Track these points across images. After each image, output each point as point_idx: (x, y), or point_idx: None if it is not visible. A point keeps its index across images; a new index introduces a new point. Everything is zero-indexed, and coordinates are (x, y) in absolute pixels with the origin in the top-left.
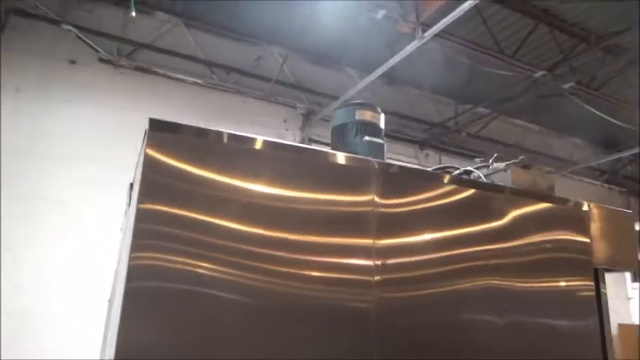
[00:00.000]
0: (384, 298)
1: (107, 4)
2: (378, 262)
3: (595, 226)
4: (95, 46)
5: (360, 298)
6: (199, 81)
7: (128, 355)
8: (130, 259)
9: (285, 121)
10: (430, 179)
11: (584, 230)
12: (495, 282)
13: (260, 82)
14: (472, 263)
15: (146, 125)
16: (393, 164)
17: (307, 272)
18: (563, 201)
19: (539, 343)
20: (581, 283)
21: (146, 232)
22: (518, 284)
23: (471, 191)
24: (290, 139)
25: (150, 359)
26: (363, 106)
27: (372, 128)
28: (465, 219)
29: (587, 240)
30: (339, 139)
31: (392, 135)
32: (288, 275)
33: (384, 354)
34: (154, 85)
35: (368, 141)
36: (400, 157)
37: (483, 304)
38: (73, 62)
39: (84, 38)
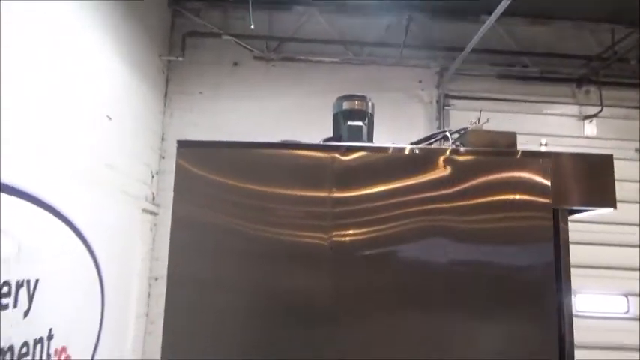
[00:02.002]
0: (338, 236)
1: (254, 11)
2: (333, 210)
3: (559, 171)
4: (250, 47)
5: (318, 236)
6: (337, 59)
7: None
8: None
9: (420, 82)
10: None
11: (543, 175)
12: (441, 223)
13: (392, 49)
14: (419, 208)
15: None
16: (352, 146)
17: (276, 219)
18: (519, 153)
19: (483, 283)
20: (536, 224)
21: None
22: (464, 225)
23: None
24: (426, 99)
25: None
26: (349, 97)
27: (358, 114)
28: (413, 172)
29: (547, 183)
30: (335, 126)
31: (544, 77)
32: (264, 221)
33: (336, 285)
34: (299, 71)
35: (349, 125)
36: (555, 99)
37: (429, 244)
38: (235, 64)
39: (241, 43)
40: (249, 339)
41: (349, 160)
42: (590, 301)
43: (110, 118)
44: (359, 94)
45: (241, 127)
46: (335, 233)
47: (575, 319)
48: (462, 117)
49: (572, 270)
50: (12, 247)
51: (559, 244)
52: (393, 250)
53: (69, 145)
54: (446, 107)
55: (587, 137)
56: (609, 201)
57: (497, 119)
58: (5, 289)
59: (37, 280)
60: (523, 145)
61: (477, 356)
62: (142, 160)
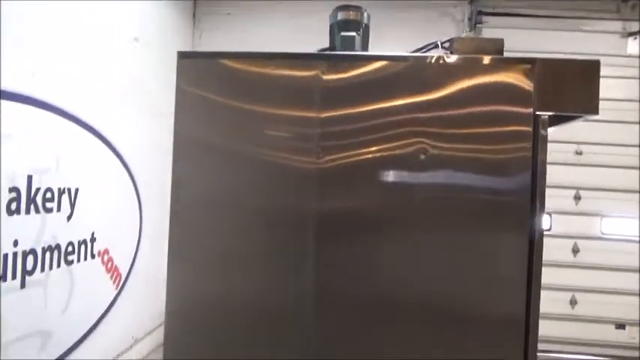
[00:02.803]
0: (325, 161)
1: None
2: (320, 130)
3: (543, 76)
4: None
5: (304, 160)
6: None
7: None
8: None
9: None
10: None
11: (525, 81)
12: (421, 133)
13: None
14: (400, 117)
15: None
16: (338, 54)
17: (263, 140)
18: (504, 58)
19: (461, 202)
20: (515, 129)
21: None
22: (444, 130)
23: (406, 63)
24: (459, 16)
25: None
26: (344, 8)
27: (352, 25)
28: (398, 88)
29: (529, 89)
30: (330, 37)
31: None
32: (252, 140)
33: (321, 203)
34: None
35: (342, 36)
36: (596, 14)
37: (411, 160)
38: None
39: None
40: (234, 253)
41: (337, 74)
42: (619, 225)
43: (138, 40)
44: (354, 4)
45: (272, 47)
46: (322, 155)
47: (600, 242)
48: (496, 35)
49: (601, 193)
50: (52, 159)
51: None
52: (377, 170)
53: (101, 68)
54: (478, 25)
55: (630, 56)
56: (592, 107)
57: (532, 37)
58: (49, 195)
59: (77, 189)
60: None
61: (452, 274)
62: (172, 82)
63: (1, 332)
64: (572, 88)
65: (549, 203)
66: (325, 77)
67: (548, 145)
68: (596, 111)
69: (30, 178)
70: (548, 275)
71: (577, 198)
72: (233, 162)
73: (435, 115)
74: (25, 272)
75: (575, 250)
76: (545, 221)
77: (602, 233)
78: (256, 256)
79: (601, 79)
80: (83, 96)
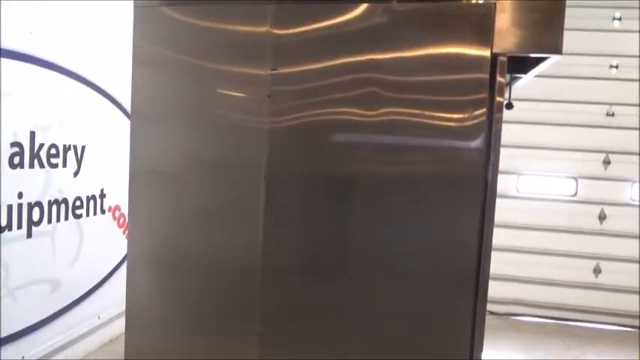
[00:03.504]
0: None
1: None
2: (271, 88)
3: (503, 17)
4: None
5: (255, 120)
6: None
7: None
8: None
9: None
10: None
11: (483, 23)
12: (375, 76)
13: None
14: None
15: None
16: None
17: (215, 98)
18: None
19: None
20: (472, 76)
21: None
22: (399, 78)
23: (361, 9)
24: None
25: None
26: None
27: None
28: (353, 27)
29: (487, 31)
30: None
31: None
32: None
33: (272, 158)
34: None
35: None
36: None
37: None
38: None
39: None
40: (189, 207)
41: (288, 29)
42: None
43: None
44: None
45: None
46: (273, 119)
47: (630, 209)
48: None
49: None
50: (55, 116)
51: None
52: (329, 130)
53: (103, 26)
54: None
55: None
56: (555, 46)
57: None
58: (53, 151)
59: (83, 147)
60: None
61: (403, 230)
62: None
63: (10, 278)
64: (534, 27)
65: (576, 167)
66: (276, 32)
67: (578, 105)
68: (559, 50)
69: (33, 134)
70: (571, 243)
71: (606, 162)
72: (188, 121)
73: (389, 60)
74: (32, 223)
75: (602, 217)
76: (570, 186)
77: (632, 200)
78: (210, 210)
79: (630, 35)
80: (86, 54)
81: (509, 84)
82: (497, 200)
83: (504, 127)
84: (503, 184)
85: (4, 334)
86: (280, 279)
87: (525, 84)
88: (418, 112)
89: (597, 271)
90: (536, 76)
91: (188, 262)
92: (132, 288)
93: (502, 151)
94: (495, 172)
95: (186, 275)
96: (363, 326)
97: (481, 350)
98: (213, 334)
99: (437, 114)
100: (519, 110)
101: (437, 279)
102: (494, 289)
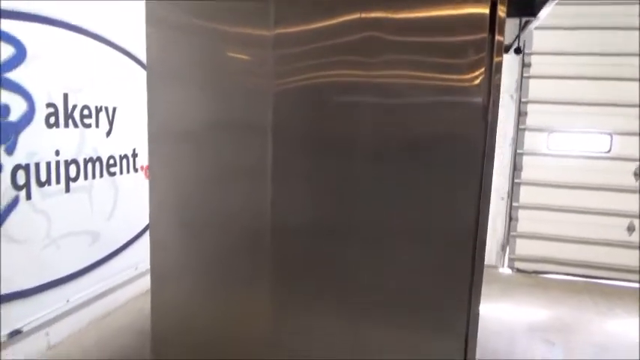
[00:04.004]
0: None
1: None
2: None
3: None
4: None
5: (261, 82)
6: None
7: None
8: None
9: None
10: None
11: None
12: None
13: None
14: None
15: None
16: None
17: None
18: None
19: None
20: (471, 37)
21: None
22: (400, 39)
23: None
24: None
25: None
26: None
27: None
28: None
29: None
30: None
31: None
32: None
33: (277, 120)
34: None
35: None
36: None
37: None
38: None
39: None
40: (201, 167)
41: None
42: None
43: None
44: None
45: None
46: (277, 81)
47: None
48: None
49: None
50: (85, 79)
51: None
52: (332, 91)
53: None
54: None
55: None
56: None
57: None
58: (86, 112)
59: (114, 108)
60: None
61: (403, 192)
62: None
63: (53, 228)
64: None
65: (610, 123)
66: None
67: (613, 58)
68: None
69: (66, 95)
70: (604, 200)
71: None
72: (199, 82)
73: (391, 20)
74: (69, 179)
75: (637, 174)
76: (604, 143)
77: None
78: (223, 171)
79: None
80: (114, 19)
81: (521, 28)
82: (528, 158)
83: (534, 83)
84: (533, 142)
85: (51, 279)
86: (287, 236)
87: (555, 36)
88: (418, 72)
89: (631, 229)
90: (571, 28)
91: (204, 219)
92: (155, 243)
93: (531, 107)
94: (494, 132)
95: (203, 231)
96: (368, 278)
97: (478, 303)
98: (229, 285)
99: (436, 75)
100: (551, 64)
101: (437, 237)
102: (523, 247)
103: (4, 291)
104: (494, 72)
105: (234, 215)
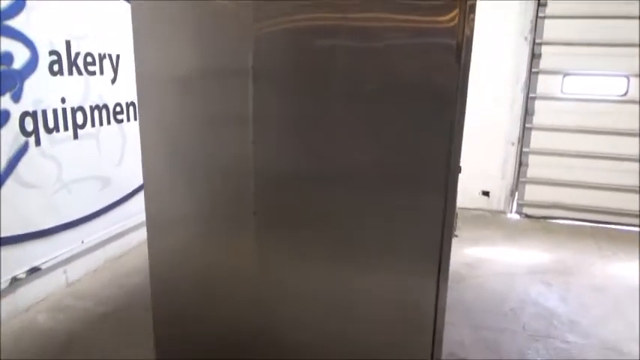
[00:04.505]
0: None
1: None
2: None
3: None
4: None
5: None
6: None
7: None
8: None
9: None
10: None
11: None
12: None
13: None
14: None
15: None
16: None
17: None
18: None
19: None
20: None
21: None
22: None
23: None
24: None
25: None
26: None
27: None
28: None
29: None
30: None
31: None
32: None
33: (258, 65)
34: None
35: None
36: None
37: None
38: None
39: None
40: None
41: None
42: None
43: None
44: None
45: None
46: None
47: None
48: None
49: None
50: (88, 27)
51: None
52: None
53: None
54: None
55: None
56: None
57: None
58: (90, 59)
59: (117, 56)
60: None
61: (375, 141)
62: None
63: (63, 173)
64: None
65: (628, 64)
66: None
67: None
68: None
69: (68, 43)
70: (617, 144)
71: None
72: (184, 30)
73: None
74: (77, 126)
75: None
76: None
77: None
78: (210, 116)
79: None
80: None
81: None
82: (541, 102)
83: (549, 23)
84: (547, 85)
85: (64, 221)
86: (269, 179)
87: None
88: (394, 14)
89: None
90: None
91: (193, 165)
92: (149, 190)
93: (546, 49)
94: (466, 73)
95: (192, 177)
96: (346, 220)
97: (450, 238)
98: (218, 228)
99: (411, 17)
100: (567, 3)
101: (410, 180)
102: (532, 193)
103: (21, 231)
104: (467, 13)
105: (221, 160)
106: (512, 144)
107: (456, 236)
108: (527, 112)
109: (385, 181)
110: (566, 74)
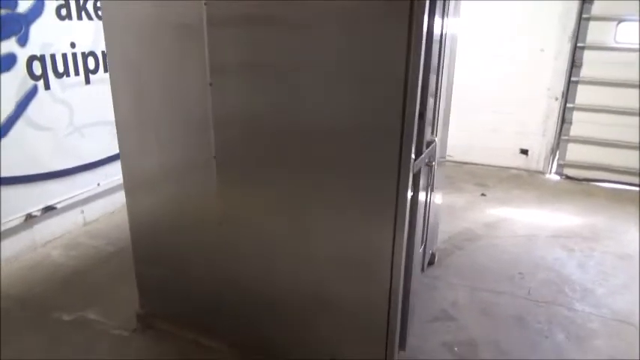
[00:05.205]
0: None
1: None
2: None
3: None
4: None
5: None
6: None
7: None
8: None
9: None
10: None
11: None
12: None
13: None
14: None
15: None
16: None
17: None
18: None
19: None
20: None
21: None
22: None
23: None
24: None
25: None
26: None
27: None
28: None
29: None
30: None
31: None
32: None
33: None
34: None
35: None
36: None
37: None
38: None
39: None
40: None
41: None
42: None
43: None
44: None
45: None
46: None
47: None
48: None
49: None
50: None
51: None
52: None
53: None
54: None
55: None
56: None
57: None
58: (99, 4)
59: None
60: None
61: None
62: None
63: (75, 117)
64: None
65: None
66: None
67: None
68: None
69: None
70: (612, 96)
71: None
72: None
73: None
74: (88, 71)
75: None
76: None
77: None
78: (172, 67)
79: None
80: None
81: None
82: (590, 53)
83: None
84: (599, 33)
85: (79, 163)
86: (225, 115)
87: None
88: None
89: None
90: None
91: (158, 109)
92: (124, 150)
93: None
94: (420, 18)
95: (158, 121)
96: (303, 154)
97: (407, 185)
98: (185, 169)
99: None
100: None
101: (366, 128)
102: (575, 153)
103: (34, 171)
104: None
105: (182, 104)
106: (556, 99)
107: (484, 195)
108: (574, 64)
109: (341, 128)
110: (621, 20)
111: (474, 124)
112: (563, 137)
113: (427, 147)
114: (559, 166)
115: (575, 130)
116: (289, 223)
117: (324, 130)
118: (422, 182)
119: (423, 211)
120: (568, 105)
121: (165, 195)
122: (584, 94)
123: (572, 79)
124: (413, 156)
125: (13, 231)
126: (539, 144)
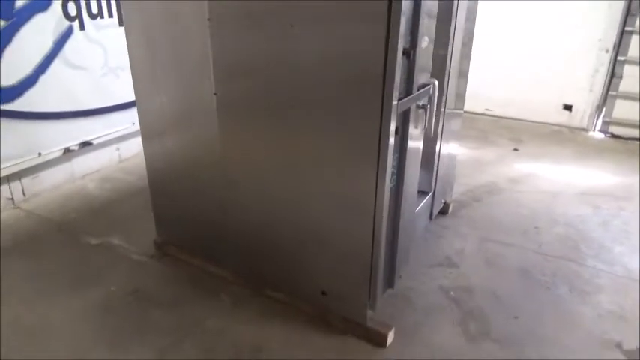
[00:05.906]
0: None
1: None
2: None
3: None
4: None
5: None
6: None
7: None
8: None
9: None
10: None
11: None
12: None
13: None
14: None
15: None
16: None
17: None
18: None
19: None
20: None
21: None
22: None
23: None
24: None
25: None
26: None
27: None
28: None
29: None
30: None
31: None
32: None
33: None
34: None
35: None
36: None
37: None
38: None
39: None
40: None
41: None
42: None
43: None
44: None
45: None
46: None
47: None
48: None
49: None
50: None
51: None
52: None
53: None
54: None
55: None
56: None
57: None
58: None
59: None
60: None
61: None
62: None
63: (110, 58)
64: None
65: None
66: None
67: None
68: None
69: None
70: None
71: None
72: None
73: None
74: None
75: None
76: None
77: None
78: (179, 24)
79: None
80: None
81: None
82: None
83: None
84: None
85: (114, 103)
86: (226, 72)
87: None
88: None
89: None
90: None
91: (166, 56)
92: (139, 96)
93: None
94: None
95: (168, 77)
96: (293, 104)
97: (388, 131)
98: (191, 119)
99: None
100: None
101: (350, 74)
102: (622, 110)
103: (71, 109)
104: None
105: (189, 60)
106: (607, 51)
107: (516, 150)
108: (630, 12)
109: (326, 73)
110: None
111: (514, 78)
112: (611, 93)
113: (420, 90)
114: (604, 123)
115: (624, 86)
116: (282, 160)
117: (314, 72)
118: (416, 126)
119: (421, 157)
120: (619, 58)
121: (174, 135)
122: (638, 46)
123: (627, 28)
124: (396, 94)
125: (54, 163)
126: (585, 100)
